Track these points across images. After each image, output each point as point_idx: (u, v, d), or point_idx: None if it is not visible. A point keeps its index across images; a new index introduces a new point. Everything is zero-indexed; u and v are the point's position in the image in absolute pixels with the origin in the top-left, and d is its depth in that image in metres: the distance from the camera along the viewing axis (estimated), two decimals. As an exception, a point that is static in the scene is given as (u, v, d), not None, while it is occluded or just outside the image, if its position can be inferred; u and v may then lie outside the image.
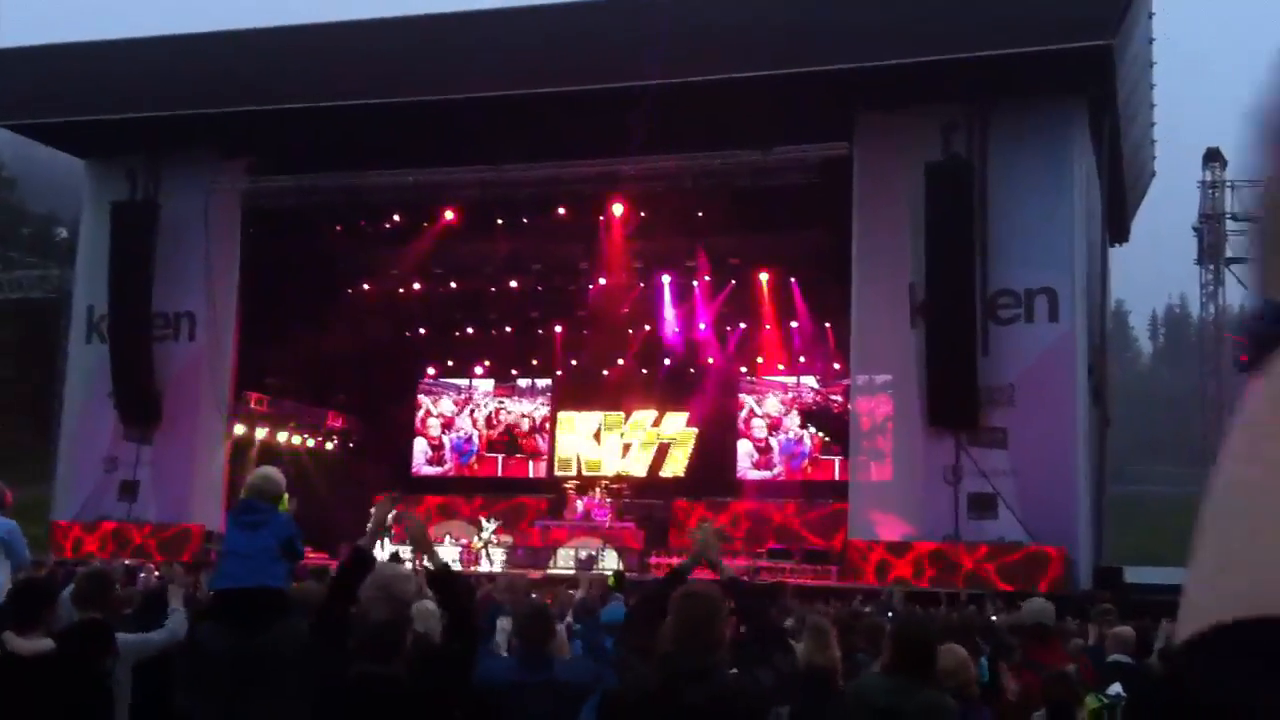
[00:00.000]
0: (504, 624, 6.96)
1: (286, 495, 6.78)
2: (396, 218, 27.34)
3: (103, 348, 26.09)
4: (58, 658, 5.43)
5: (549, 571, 24.49)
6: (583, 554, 26.12)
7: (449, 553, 26.52)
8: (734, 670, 4.20)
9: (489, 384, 34.46)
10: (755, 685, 4.09)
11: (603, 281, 30.04)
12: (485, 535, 27.21)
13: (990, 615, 13.68)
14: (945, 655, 5.60)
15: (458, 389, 34.70)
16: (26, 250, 36.19)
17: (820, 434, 30.73)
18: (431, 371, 34.26)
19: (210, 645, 6.27)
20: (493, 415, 34.38)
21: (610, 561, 25.62)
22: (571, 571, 24.11)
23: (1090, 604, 12.19)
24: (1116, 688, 6.58)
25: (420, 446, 34.50)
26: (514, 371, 34.06)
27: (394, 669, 4.41)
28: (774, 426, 31.75)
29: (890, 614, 12.75)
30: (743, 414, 32.12)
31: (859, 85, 21.54)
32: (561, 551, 26.78)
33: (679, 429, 33.00)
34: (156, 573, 13.90)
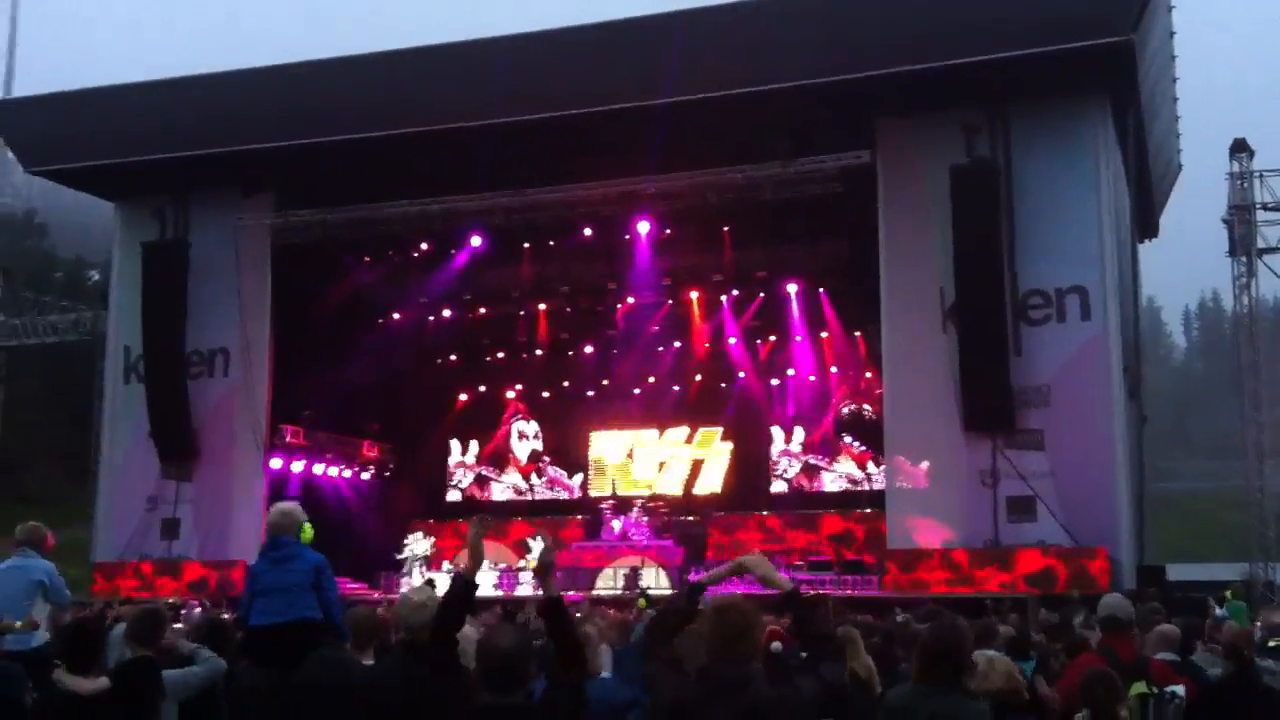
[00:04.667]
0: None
1: (309, 525, 6.88)
2: (424, 246, 27.50)
3: (139, 388, 26.28)
4: (113, 696, 5.52)
5: (593, 592, 24.48)
6: (625, 570, 26.06)
7: (488, 578, 26.46)
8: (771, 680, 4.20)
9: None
10: (794, 696, 4.09)
11: (631, 300, 30.10)
12: (534, 556, 26.81)
13: (1038, 619, 13.59)
14: (997, 663, 5.58)
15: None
16: (59, 294, 36.42)
17: (856, 443, 30.62)
18: (464, 398, 34.27)
19: (250, 681, 6.33)
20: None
21: (650, 578, 25.58)
22: (617, 591, 24.08)
23: (1136, 603, 12.09)
24: (1177, 688, 6.50)
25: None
26: (545, 394, 34.07)
27: (517, 699, 4.39)
28: (808, 438, 31.65)
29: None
30: (777, 427, 32.05)
31: (878, 93, 21.52)
32: (607, 572, 26.72)
33: (713, 444, 32.93)
34: (199, 609, 13.98)
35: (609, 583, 26.05)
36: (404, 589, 25.19)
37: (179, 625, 10.32)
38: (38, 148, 26.90)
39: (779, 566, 24.57)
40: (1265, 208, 24.24)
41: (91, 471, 29.01)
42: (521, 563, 27.38)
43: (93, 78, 28.98)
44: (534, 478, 34.25)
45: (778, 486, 31.53)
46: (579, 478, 33.87)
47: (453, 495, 34.36)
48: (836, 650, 4.66)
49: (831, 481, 30.96)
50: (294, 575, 6.57)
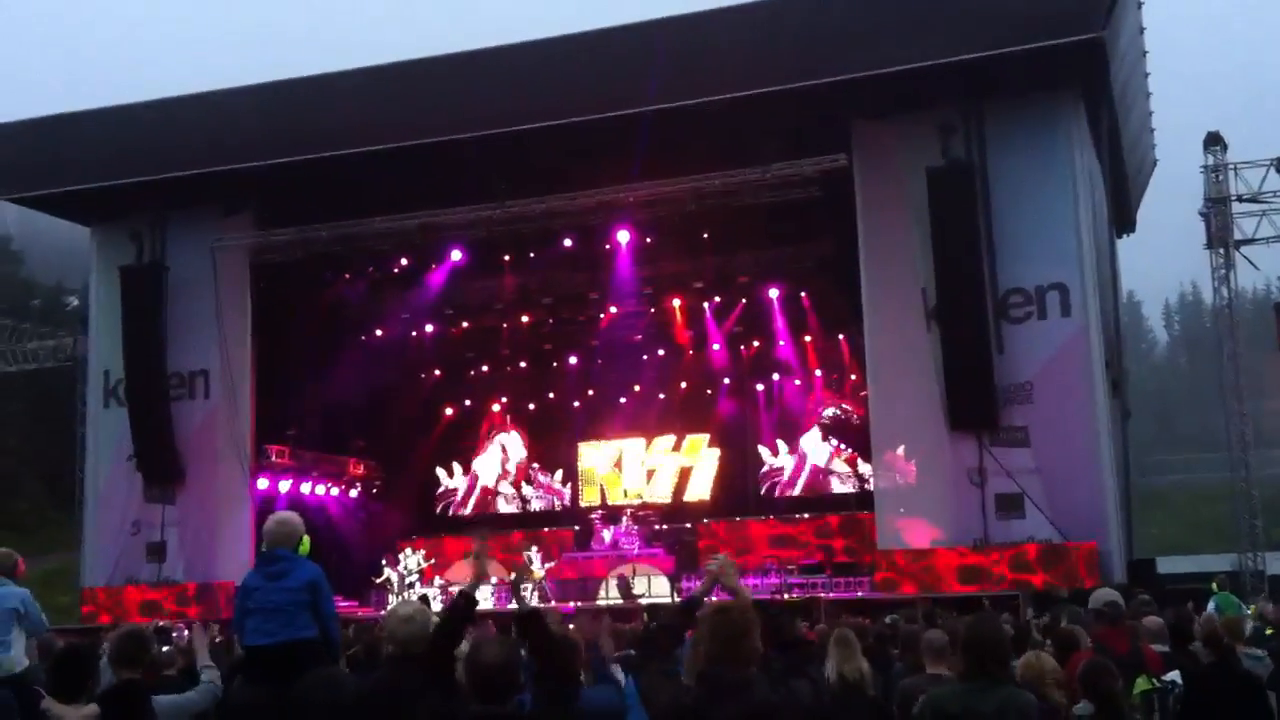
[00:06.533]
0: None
1: (306, 538, 6.79)
2: (404, 261, 27.47)
3: (121, 411, 26.15)
4: None
5: (596, 603, 24.40)
6: (618, 575, 26.01)
7: (482, 592, 26.32)
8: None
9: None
10: (792, 698, 4.09)
11: (613, 310, 30.11)
12: (537, 567, 26.64)
13: (1027, 617, 13.62)
14: (1045, 660, 5.59)
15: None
16: (38, 321, 36.27)
17: (842, 446, 30.66)
18: (450, 412, 34.22)
19: (244, 700, 6.28)
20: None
21: (644, 585, 25.52)
22: (618, 601, 24.02)
23: (1127, 597, 12.13)
24: (1174, 675, 6.56)
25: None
26: (531, 406, 34.07)
27: (508, 709, 4.43)
28: (796, 441, 31.67)
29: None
30: (763, 431, 32.07)
31: (852, 96, 21.55)
32: (604, 582, 26.64)
33: (700, 451, 32.94)
34: (188, 633, 13.90)
35: (606, 593, 25.96)
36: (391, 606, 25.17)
37: (168, 649, 10.26)
38: (12, 174, 26.71)
39: (770, 570, 24.76)
40: (1241, 199, 24.38)
41: (77, 497, 28.86)
42: (513, 575, 27.23)
43: (63, 103, 28.83)
44: (525, 487, 34.24)
45: (766, 491, 31.54)
46: (569, 484, 33.86)
47: (446, 511, 34.28)
48: (814, 653, 4.69)
49: (839, 484, 30.91)
50: (289, 594, 6.47)
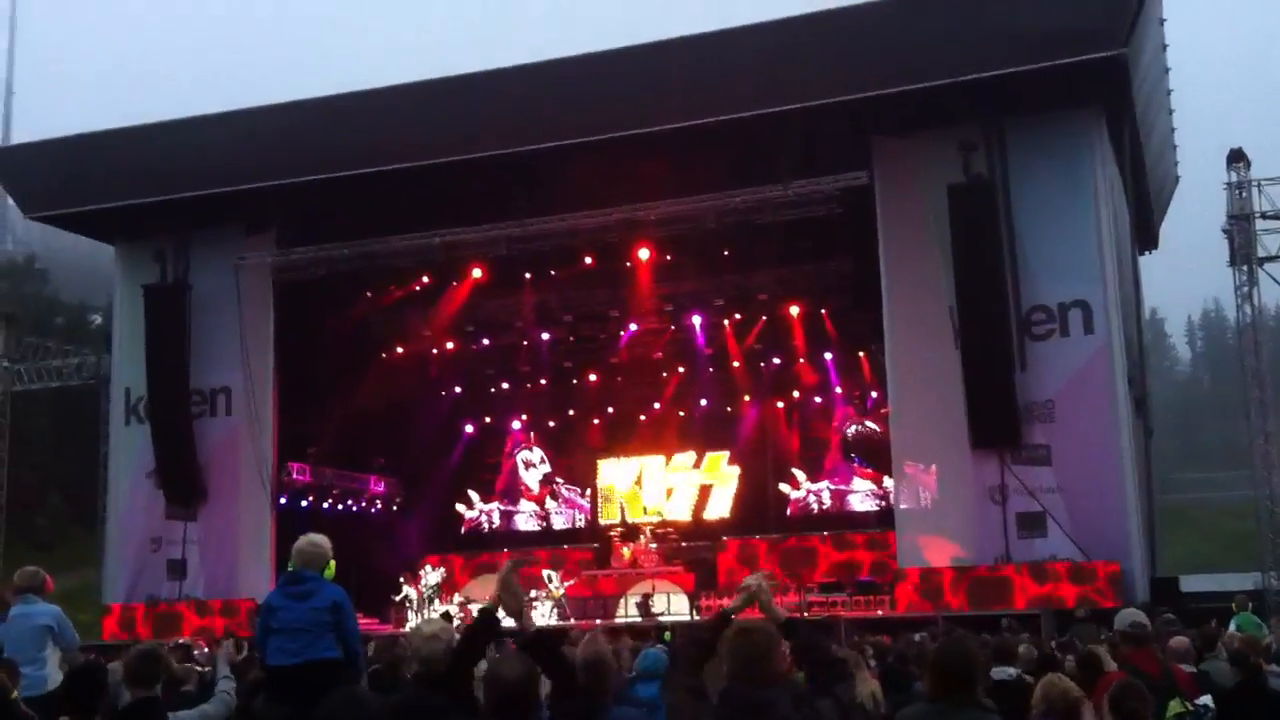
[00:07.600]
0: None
1: (333, 563, 6.79)
2: (425, 279, 27.54)
3: (143, 429, 26.27)
4: None
5: (614, 621, 24.35)
6: (639, 595, 25.96)
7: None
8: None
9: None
10: (815, 716, 4.07)
11: (634, 327, 30.13)
12: (557, 587, 26.57)
13: (1049, 636, 13.54)
14: (1054, 680, 5.56)
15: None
16: (62, 339, 36.48)
17: (862, 463, 30.57)
18: (470, 430, 34.28)
19: (267, 716, 6.28)
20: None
21: (663, 603, 25.46)
22: (638, 619, 23.97)
23: (1151, 617, 12.05)
24: (1207, 699, 6.51)
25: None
26: (551, 423, 34.11)
27: None
28: (815, 459, 31.60)
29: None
30: (783, 449, 32.00)
31: (873, 113, 21.57)
32: (624, 600, 26.56)
33: (721, 469, 32.87)
34: (207, 649, 13.91)
35: (625, 611, 25.90)
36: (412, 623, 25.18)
37: (187, 665, 10.28)
38: (37, 193, 26.96)
39: (791, 588, 24.65)
40: (1264, 216, 24.22)
41: (99, 514, 28.95)
42: (533, 593, 27.21)
43: (88, 122, 29.07)
44: (549, 502, 34.26)
45: (787, 508, 31.46)
46: (589, 501, 33.90)
47: (470, 525, 34.36)
48: (845, 672, 4.66)
49: (860, 501, 30.85)
50: (313, 614, 6.48)
